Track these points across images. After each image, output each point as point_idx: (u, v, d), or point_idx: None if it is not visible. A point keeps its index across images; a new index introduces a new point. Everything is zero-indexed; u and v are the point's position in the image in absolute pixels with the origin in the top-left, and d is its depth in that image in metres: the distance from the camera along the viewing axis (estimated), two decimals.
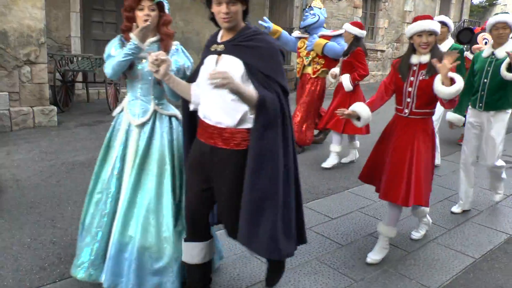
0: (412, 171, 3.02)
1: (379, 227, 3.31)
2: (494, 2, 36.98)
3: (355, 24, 5.43)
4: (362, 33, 5.36)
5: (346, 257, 3.28)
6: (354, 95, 5.33)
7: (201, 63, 2.38)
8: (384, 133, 3.33)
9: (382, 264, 3.20)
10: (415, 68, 3.08)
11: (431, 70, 2.96)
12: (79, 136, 6.50)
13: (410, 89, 3.07)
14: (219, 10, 2.15)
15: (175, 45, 2.67)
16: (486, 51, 3.94)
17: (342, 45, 5.63)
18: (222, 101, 2.21)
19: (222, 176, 2.30)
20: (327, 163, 5.53)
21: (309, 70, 5.98)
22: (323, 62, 5.86)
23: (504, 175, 4.37)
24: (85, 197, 2.76)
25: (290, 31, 9.64)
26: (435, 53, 2.98)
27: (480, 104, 3.97)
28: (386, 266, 3.18)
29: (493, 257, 3.39)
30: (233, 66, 2.17)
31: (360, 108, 3.15)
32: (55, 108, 7.20)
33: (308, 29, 5.93)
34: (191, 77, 2.47)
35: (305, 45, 5.99)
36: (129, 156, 2.62)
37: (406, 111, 3.12)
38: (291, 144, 2.29)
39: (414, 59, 3.08)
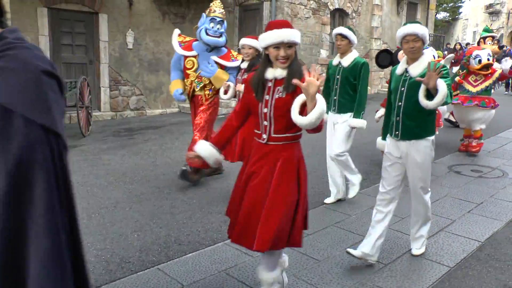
0: (264, 211, 2.45)
1: (261, 275, 2.68)
2: (457, 17, 38.47)
3: (253, 38, 4.74)
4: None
5: (323, 272, 3.29)
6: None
7: None
8: (244, 166, 2.72)
9: (359, 277, 3.22)
10: (270, 84, 2.53)
11: (289, 87, 2.43)
12: None
13: (265, 110, 2.51)
14: None
15: None
16: (400, 68, 3.32)
17: (235, 76, 5.14)
18: None
19: None
20: None
21: (201, 93, 5.34)
22: (217, 89, 5.30)
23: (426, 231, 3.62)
24: None
25: None
26: (294, 68, 2.46)
27: (397, 132, 3.29)
28: (363, 279, 3.20)
29: (467, 265, 3.45)
30: None
31: (203, 151, 2.69)
32: None
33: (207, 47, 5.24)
34: None
35: (195, 67, 5.25)
36: None
37: (265, 136, 2.54)
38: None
39: (269, 73, 2.53)
